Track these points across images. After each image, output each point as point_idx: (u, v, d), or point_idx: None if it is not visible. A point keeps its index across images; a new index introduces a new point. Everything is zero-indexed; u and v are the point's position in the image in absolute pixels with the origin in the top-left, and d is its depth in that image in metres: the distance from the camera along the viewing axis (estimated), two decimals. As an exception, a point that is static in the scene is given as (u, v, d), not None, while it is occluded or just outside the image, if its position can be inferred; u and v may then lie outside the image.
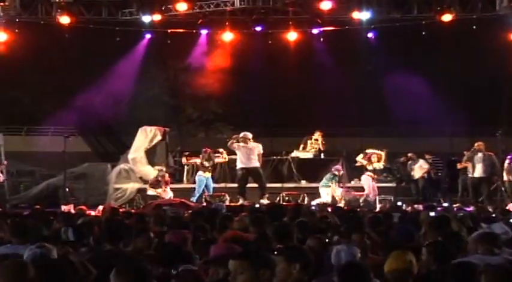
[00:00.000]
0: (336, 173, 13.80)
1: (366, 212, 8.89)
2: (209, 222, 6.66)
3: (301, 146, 15.70)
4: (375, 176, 13.96)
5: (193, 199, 13.35)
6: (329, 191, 13.67)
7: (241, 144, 13.10)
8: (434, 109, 19.33)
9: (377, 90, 19.67)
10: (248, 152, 13.12)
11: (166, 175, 13.99)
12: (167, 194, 13.78)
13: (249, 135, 13.19)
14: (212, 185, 13.80)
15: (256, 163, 13.02)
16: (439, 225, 5.85)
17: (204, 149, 14.07)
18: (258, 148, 13.19)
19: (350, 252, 4.60)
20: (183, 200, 12.16)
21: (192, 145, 18.49)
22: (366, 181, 14.03)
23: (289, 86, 20.82)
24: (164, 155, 15.65)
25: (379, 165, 14.06)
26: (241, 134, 13.21)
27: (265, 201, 12.89)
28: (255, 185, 13.51)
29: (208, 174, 13.77)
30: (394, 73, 18.86)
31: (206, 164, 13.74)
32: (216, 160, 13.97)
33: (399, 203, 12.39)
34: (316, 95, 20.12)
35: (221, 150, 14.55)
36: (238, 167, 13.20)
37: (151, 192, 14.02)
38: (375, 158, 14.03)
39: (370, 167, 14.05)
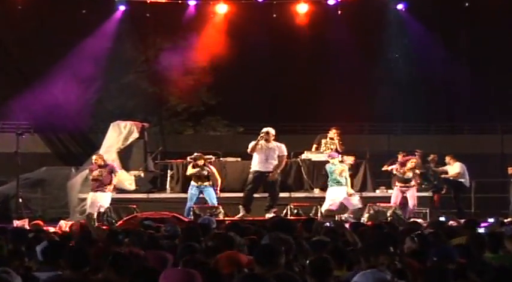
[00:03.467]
0: (336, 160, 13.62)
1: (396, 228, 8.80)
2: (195, 241, 6.62)
3: (314, 146, 15.63)
4: (414, 185, 13.92)
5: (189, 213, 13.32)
6: (336, 192, 13.63)
7: (263, 142, 13.01)
8: (480, 101, 19.36)
9: (408, 77, 19.72)
10: (267, 153, 13.06)
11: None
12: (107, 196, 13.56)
13: (273, 131, 13.17)
14: (214, 195, 13.67)
15: (272, 168, 13.01)
16: (492, 245, 5.81)
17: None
18: (279, 149, 13.15)
19: (377, 278, 4.56)
20: (175, 213, 12.10)
21: (178, 144, 18.49)
22: (394, 190, 14.03)
23: (299, 70, 20.85)
24: (142, 157, 15.65)
25: (414, 171, 14.02)
26: (264, 130, 13.11)
27: (271, 215, 12.85)
28: (260, 195, 13.50)
29: (204, 183, 13.65)
30: (430, 56, 18.86)
31: (191, 171, 13.66)
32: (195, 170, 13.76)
33: (442, 218, 12.38)
34: (332, 82, 20.15)
35: (210, 157, 14.56)
36: (252, 170, 13.16)
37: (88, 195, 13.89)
38: (411, 164, 13.99)
39: (408, 174, 13.97)
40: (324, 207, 13.50)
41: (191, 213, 13.16)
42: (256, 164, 13.07)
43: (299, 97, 20.95)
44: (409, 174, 13.96)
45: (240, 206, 13.13)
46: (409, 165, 14.01)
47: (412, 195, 13.91)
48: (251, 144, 13.18)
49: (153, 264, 5.26)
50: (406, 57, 19.70)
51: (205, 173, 13.57)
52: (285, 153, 13.24)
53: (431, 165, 15.58)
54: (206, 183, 13.54)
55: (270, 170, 13.05)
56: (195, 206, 13.34)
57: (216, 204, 13.42)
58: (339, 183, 13.54)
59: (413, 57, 19.46)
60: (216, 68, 20.55)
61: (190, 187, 13.64)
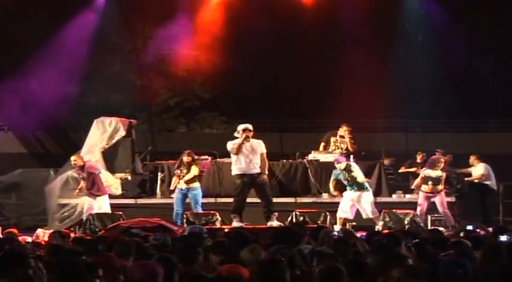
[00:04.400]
0: (342, 166, 13.67)
1: (414, 237, 8.81)
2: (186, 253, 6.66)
3: (322, 144, 15.69)
4: (442, 189, 13.94)
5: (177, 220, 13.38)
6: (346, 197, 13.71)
7: (244, 141, 12.87)
8: (507, 95, 19.38)
9: (428, 69, 19.71)
10: (252, 153, 12.97)
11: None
12: (99, 201, 13.73)
13: (250, 126, 13.08)
14: (200, 199, 13.77)
15: (259, 168, 12.92)
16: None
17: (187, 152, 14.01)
18: (260, 146, 13.05)
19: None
20: (162, 221, 12.15)
21: (169, 144, 18.52)
22: (420, 196, 14.09)
23: (305, 61, 20.84)
24: (129, 157, 15.72)
25: (436, 173, 14.02)
26: (245, 127, 13.00)
27: (275, 222, 12.83)
28: (255, 200, 13.50)
29: (193, 185, 13.71)
30: (452, 46, 18.88)
31: (180, 171, 13.70)
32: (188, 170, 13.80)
33: (469, 227, 12.39)
34: (343, 73, 20.12)
35: (206, 158, 14.50)
36: (236, 173, 13.03)
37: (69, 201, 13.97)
38: (442, 164, 13.99)
39: (433, 174, 13.98)
40: (339, 214, 13.53)
41: (184, 220, 13.20)
42: (240, 167, 12.88)
43: (305, 90, 21.00)
44: (440, 173, 13.90)
45: (233, 216, 13.01)
46: (441, 165, 13.96)
47: (441, 201, 13.90)
48: (233, 145, 12.88)
49: (141, 277, 5.32)
50: (426, 47, 19.69)
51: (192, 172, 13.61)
52: (264, 150, 13.05)
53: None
54: (192, 185, 13.61)
55: (258, 171, 12.90)
56: (189, 212, 13.38)
57: (199, 210, 13.45)
58: (360, 186, 13.57)
59: (434, 47, 19.45)
60: (212, 58, 20.51)
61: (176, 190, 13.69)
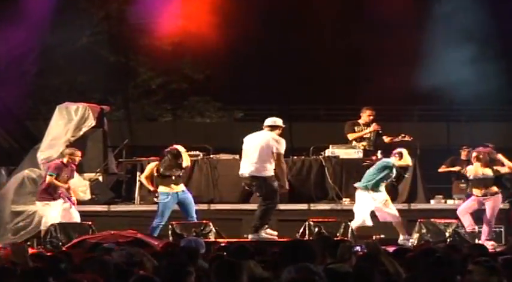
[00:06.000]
0: (395, 159, 13.79)
1: (458, 253, 8.82)
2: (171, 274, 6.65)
3: (349, 135, 15.67)
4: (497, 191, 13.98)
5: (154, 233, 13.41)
6: (370, 201, 13.76)
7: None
8: None
9: (474, 41, 19.68)
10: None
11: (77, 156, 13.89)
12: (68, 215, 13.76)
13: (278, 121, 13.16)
14: (193, 204, 13.79)
15: (271, 170, 12.98)
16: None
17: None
18: (276, 143, 12.97)
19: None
20: (138, 234, 12.20)
21: (151, 136, 18.53)
22: (470, 200, 14.11)
23: (320, 31, 20.85)
24: (100, 153, 15.76)
25: (486, 171, 14.05)
26: (281, 121, 13.14)
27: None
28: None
29: (179, 188, 13.73)
30: (504, 10, 18.88)
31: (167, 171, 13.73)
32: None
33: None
34: (368, 48, 20.14)
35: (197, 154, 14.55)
36: (271, 175, 13.02)
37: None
38: (483, 158, 14.03)
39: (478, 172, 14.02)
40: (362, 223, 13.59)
41: (169, 232, 13.22)
42: (273, 168, 13.06)
43: (320, 70, 20.92)
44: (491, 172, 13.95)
45: (265, 226, 13.05)
46: (479, 161, 14.00)
47: (493, 206, 13.92)
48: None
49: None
50: (471, 13, 19.64)
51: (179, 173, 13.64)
52: (282, 151, 13.15)
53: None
54: (180, 188, 13.66)
55: (268, 173, 13.05)
56: (175, 222, 13.39)
57: (194, 218, 13.51)
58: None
59: (482, 12, 19.41)
60: (205, 29, 20.44)
61: (161, 196, 13.69)
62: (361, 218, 13.59)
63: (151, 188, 13.90)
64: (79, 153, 13.95)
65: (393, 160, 13.83)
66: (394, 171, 13.80)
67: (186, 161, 13.74)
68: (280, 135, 13.01)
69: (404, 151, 13.91)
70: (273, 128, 13.03)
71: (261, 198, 13.01)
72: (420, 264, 7.36)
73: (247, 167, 13.00)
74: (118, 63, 22.04)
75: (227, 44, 20.41)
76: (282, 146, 12.89)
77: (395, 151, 13.98)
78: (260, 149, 12.84)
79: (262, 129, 13.19)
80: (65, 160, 13.83)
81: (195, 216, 13.67)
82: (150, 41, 21.70)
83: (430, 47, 19.74)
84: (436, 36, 19.82)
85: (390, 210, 13.71)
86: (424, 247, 9.94)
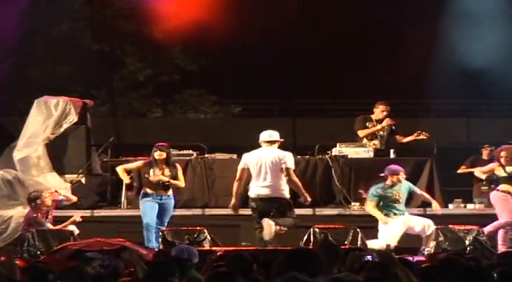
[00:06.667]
0: (401, 177, 13.81)
1: (479, 263, 8.78)
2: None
3: (360, 132, 15.61)
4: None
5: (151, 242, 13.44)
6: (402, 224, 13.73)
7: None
8: None
9: (500, 34, 19.67)
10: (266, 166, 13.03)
11: (48, 197, 13.85)
12: None
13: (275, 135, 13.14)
14: (171, 211, 13.86)
15: (280, 189, 12.96)
16: None
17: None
18: (284, 158, 13.01)
19: None
20: (127, 243, 12.17)
21: (139, 133, 18.51)
22: (500, 203, 14.03)
23: (328, 20, 20.84)
24: (83, 152, 15.72)
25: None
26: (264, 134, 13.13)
27: None
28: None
29: (165, 193, 13.73)
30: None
31: (152, 174, 13.70)
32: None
33: None
34: (379, 39, 20.12)
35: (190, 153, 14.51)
36: (249, 195, 13.13)
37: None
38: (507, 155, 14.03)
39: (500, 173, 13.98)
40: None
41: (159, 239, 13.19)
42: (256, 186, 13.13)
43: (326, 59, 20.89)
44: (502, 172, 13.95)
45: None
46: (503, 160, 13.99)
47: None
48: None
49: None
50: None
51: (169, 174, 13.64)
52: (292, 165, 13.23)
53: None
54: (168, 192, 13.69)
55: (281, 194, 13.15)
56: (166, 228, 13.39)
57: (163, 225, 13.55)
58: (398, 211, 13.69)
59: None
60: (200, 15, 20.44)
61: (141, 200, 13.71)
62: (385, 241, 13.53)
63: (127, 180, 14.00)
64: (46, 194, 13.77)
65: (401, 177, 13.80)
66: (393, 191, 13.77)
67: (181, 181, 13.78)
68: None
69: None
70: (271, 143, 13.04)
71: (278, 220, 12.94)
72: (443, 275, 7.36)
73: (260, 189, 12.97)
74: (102, 53, 22.05)
75: (224, 31, 20.36)
76: (291, 159, 12.98)
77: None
78: (271, 167, 12.86)
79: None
80: (34, 205, 13.70)
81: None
82: (137, 28, 21.70)
83: (450, 32, 19.72)
84: (457, 21, 19.82)
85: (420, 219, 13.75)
86: (444, 256, 9.89)
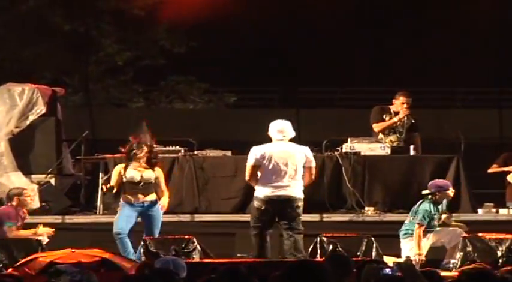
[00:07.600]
0: (450, 192, 13.78)
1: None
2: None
3: (375, 125, 15.62)
4: None
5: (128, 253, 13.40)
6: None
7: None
8: None
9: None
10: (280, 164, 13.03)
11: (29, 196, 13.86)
12: None
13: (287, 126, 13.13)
14: (160, 218, 13.78)
15: (299, 190, 12.92)
16: None
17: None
18: (303, 154, 13.01)
19: None
20: (106, 254, 12.07)
21: (117, 127, 18.47)
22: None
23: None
24: (53, 148, 15.82)
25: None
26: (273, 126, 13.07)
27: None
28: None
29: (153, 197, 13.70)
30: None
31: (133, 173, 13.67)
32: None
33: None
34: (394, 19, 20.18)
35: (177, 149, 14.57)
36: (259, 196, 13.04)
37: None
38: None
39: None
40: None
41: (140, 250, 13.14)
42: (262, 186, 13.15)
43: (335, 42, 20.94)
44: None
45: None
46: None
47: None
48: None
49: None
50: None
51: (150, 176, 13.55)
52: (313, 164, 13.38)
53: None
54: (151, 198, 13.61)
55: (290, 193, 13.18)
56: (148, 238, 13.36)
57: (155, 233, 13.56)
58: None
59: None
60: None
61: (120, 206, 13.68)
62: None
63: None
64: (27, 191, 13.79)
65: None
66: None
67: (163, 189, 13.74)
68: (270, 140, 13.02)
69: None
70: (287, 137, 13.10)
71: (295, 224, 12.99)
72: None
73: (276, 190, 12.92)
74: (75, 33, 22.06)
75: (216, 8, 20.41)
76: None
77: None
78: (294, 165, 12.87)
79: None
80: (14, 203, 13.65)
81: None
82: (116, 4, 21.70)
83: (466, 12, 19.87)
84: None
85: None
86: (475, 269, 9.86)
